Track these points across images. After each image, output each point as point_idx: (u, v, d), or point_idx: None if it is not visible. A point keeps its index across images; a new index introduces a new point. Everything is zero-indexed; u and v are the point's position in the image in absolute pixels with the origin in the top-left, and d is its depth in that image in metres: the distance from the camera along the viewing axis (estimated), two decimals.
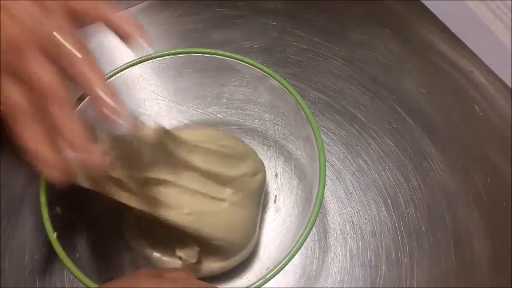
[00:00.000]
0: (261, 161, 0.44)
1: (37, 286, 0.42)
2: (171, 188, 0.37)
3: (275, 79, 0.41)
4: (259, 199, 0.42)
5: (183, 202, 0.37)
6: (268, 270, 0.34)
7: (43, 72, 0.27)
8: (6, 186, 0.46)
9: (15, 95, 0.27)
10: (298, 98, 0.40)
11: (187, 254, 0.38)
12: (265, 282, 0.33)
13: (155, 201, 0.36)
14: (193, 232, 0.37)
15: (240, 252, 0.40)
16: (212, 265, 0.40)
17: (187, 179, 0.37)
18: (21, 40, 0.26)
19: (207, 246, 0.38)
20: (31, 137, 0.27)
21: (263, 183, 0.43)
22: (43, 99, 0.27)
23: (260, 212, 0.43)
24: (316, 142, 0.38)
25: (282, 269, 0.34)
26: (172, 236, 0.38)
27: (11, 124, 0.27)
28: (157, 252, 0.40)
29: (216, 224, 0.38)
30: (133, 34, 0.30)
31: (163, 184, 0.36)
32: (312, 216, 0.35)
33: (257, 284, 0.33)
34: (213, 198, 0.38)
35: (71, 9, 0.28)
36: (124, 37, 0.30)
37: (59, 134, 0.27)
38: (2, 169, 0.47)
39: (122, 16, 0.30)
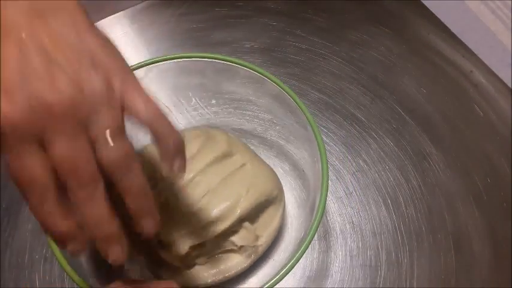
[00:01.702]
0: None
1: (37, 286, 0.42)
2: (213, 197, 0.38)
3: (273, 82, 0.41)
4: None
5: (231, 196, 0.38)
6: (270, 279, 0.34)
7: (76, 152, 0.24)
8: (6, 186, 0.46)
9: (35, 166, 0.24)
10: (297, 99, 0.40)
11: (247, 238, 0.38)
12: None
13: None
14: (256, 202, 0.39)
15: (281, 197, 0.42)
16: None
17: (215, 177, 0.39)
18: (58, 106, 0.23)
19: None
20: (44, 212, 0.25)
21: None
22: (67, 175, 0.24)
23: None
24: (318, 144, 0.38)
25: (281, 279, 0.33)
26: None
27: (23, 194, 0.25)
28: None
29: (260, 181, 0.40)
30: (172, 162, 0.28)
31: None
32: (315, 221, 0.35)
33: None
34: (237, 168, 0.40)
35: (127, 106, 0.26)
36: (163, 154, 0.28)
37: (78, 212, 0.25)
38: (2, 169, 0.47)
39: (174, 138, 0.27)
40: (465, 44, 0.57)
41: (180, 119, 0.49)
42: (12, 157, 0.24)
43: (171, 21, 0.58)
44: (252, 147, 0.46)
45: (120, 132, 0.25)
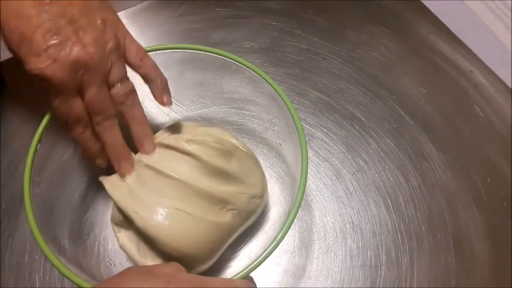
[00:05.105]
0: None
1: (37, 286, 0.42)
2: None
3: (267, 81, 0.41)
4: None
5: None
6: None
7: (102, 97, 0.34)
8: (6, 186, 0.46)
9: (78, 108, 0.34)
10: (287, 101, 0.40)
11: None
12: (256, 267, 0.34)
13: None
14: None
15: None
16: None
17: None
18: (91, 63, 0.33)
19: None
20: (85, 137, 0.36)
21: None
22: (96, 113, 0.35)
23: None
24: (300, 141, 0.38)
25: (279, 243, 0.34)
26: None
27: (69, 128, 0.35)
28: (137, 245, 0.37)
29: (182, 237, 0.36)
30: (162, 97, 0.38)
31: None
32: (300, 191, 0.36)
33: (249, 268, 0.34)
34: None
35: (127, 57, 0.36)
36: (154, 92, 0.38)
37: (101, 138, 0.36)
38: (2, 169, 0.47)
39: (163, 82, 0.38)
40: (465, 44, 0.57)
41: (179, 118, 0.49)
42: (59, 103, 0.33)
43: (170, 22, 0.58)
44: (252, 147, 0.45)
45: (126, 76, 0.36)
